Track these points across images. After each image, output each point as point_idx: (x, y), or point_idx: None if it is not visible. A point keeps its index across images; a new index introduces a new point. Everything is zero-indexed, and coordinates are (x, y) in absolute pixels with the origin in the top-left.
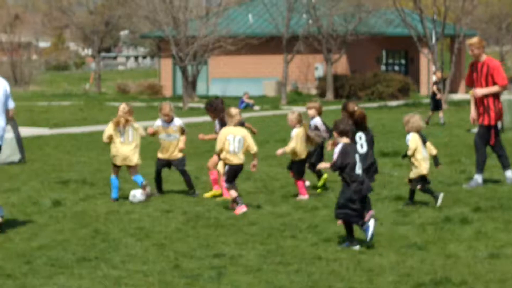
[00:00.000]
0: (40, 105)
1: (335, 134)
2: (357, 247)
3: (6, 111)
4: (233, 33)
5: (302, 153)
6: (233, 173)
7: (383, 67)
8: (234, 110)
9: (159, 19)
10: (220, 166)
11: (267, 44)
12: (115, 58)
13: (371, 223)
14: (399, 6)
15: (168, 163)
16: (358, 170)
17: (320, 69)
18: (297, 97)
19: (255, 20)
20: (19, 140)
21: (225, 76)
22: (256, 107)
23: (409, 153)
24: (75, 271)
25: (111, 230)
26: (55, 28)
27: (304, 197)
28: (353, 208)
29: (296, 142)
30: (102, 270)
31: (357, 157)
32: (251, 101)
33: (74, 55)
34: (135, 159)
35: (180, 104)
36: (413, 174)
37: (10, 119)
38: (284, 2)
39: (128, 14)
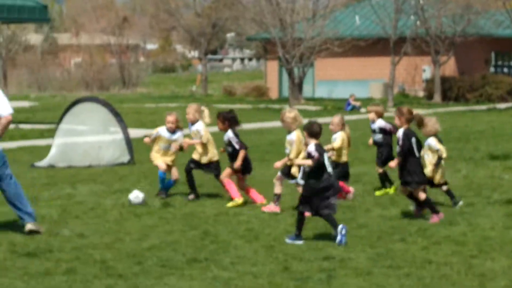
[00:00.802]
0: (147, 107)
1: (306, 134)
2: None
3: None
4: (339, 35)
5: (345, 155)
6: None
7: (492, 69)
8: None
9: (266, 21)
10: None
11: (374, 46)
12: (221, 60)
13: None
14: (509, 7)
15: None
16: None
17: (427, 71)
18: (403, 99)
19: (362, 22)
20: (129, 141)
21: (331, 78)
22: (362, 109)
23: (445, 156)
24: (185, 272)
25: (220, 231)
26: (163, 30)
27: (350, 195)
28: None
29: (342, 142)
30: (212, 272)
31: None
32: (357, 103)
33: (181, 57)
34: None
35: (287, 107)
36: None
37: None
38: (391, 4)
39: (235, 16)
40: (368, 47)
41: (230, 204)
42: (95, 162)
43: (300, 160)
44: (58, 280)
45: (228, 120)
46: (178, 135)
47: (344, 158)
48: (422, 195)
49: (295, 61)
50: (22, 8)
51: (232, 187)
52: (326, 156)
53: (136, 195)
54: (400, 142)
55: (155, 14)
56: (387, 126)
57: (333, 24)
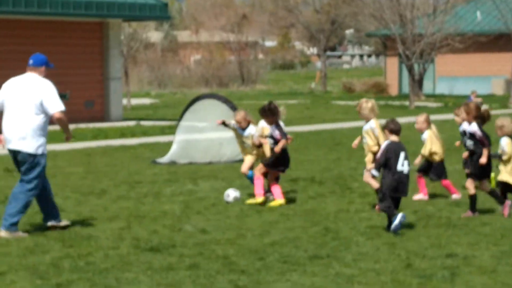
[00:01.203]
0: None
1: (386, 132)
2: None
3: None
4: (460, 30)
5: (441, 153)
6: None
7: None
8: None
9: (386, 17)
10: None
11: (495, 42)
12: (340, 57)
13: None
14: None
15: None
16: (401, 166)
17: None
18: None
19: (483, 17)
20: None
21: (452, 75)
22: (484, 106)
23: (505, 158)
24: (307, 269)
25: (342, 228)
26: (281, 27)
27: (457, 196)
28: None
29: (431, 143)
30: (334, 268)
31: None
32: (478, 100)
33: (299, 54)
34: None
35: (407, 103)
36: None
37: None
38: None
39: (354, 12)
40: (490, 42)
41: (249, 201)
42: (215, 159)
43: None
44: (181, 275)
45: (275, 114)
46: (249, 131)
47: (436, 157)
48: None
49: (415, 57)
50: (143, 6)
51: (258, 183)
52: (403, 155)
53: (227, 194)
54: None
55: (274, 11)
56: (478, 133)
57: (454, 20)
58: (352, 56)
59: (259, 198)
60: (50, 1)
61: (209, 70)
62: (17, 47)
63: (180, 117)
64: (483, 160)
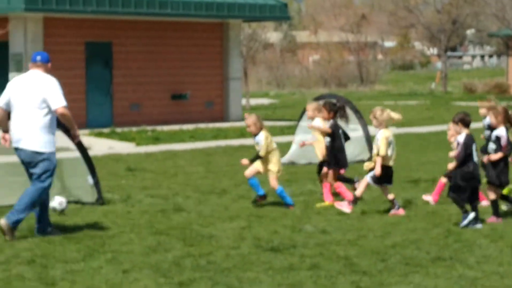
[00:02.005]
0: (386, 104)
1: (460, 125)
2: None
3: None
4: None
5: None
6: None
7: None
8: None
9: (508, 17)
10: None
11: None
12: (460, 57)
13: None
14: None
15: None
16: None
17: None
18: None
19: None
20: (369, 138)
21: None
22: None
23: None
24: (430, 270)
25: (464, 230)
26: (401, 27)
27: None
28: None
29: None
30: (457, 270)
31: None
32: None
33: (419, 54)
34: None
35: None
36: None
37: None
38: None
39: (476, 12)
40: None
41: (318, 204)
42: None
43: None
44: (302, 275)
45: (334, 111)
46: (259, 138)
47: None
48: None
49: None
50: (263, 6)
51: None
52: (474, 147)
53: (59, 201)
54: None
55: (393, 11)
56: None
57: None
58: (473, 56)
59: (328, 202)
60: (172, 2)
61: (327, 70)
62: (139, 48)
63: (300, 117)
64: (494, 157)
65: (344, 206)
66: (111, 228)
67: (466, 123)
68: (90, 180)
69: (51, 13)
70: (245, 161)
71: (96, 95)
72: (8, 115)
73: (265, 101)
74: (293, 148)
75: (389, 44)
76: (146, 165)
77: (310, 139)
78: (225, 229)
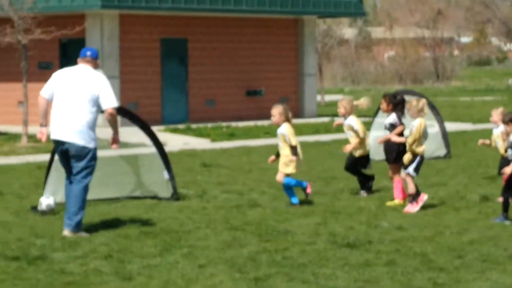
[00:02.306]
0: (462, 101)
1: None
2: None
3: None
4: None
5: None
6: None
7: None
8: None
9: None
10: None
11: None
12: None
13: None
14: None
15: None
16: None
17: None
18: None
19: None
20: (445, 135)
21: None
22: None
23: None
24: (507, 268)
25: None
26: (477, 23)
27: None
28: None
29: None
30: None
31: None
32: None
33: (496, 50)
34: None
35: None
36: None
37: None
38: None
39: None
40: None
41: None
42: None
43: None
44: (379, 271)
45: (394, 104)
46: (281, 130)
47: None
48: None
49: None
50: (338, 2)
51: (397, 186)
52: None
53: (40, 202)
54: None
55: (470, 6)
56: None
57: None
58: None
59: (398, 201)
60: None
61: (403, 66)
62: (214, 44)
63: (375, 114)
64: (508, 170)
65: (411, 208)
66: (186, 224)
67: None
68: (165, 175)
69: (127, 10)
70: (272, 158)
71: (171, 92)
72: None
73: (339, 97)
74: (370, 144)
75: (465, 39)
76: (221, 161)
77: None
78: (301, 225)
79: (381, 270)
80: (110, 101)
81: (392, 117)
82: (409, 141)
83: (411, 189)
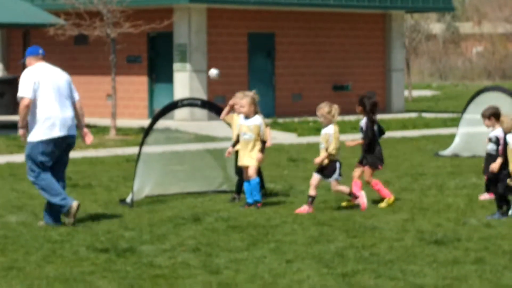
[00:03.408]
0: None
1: None
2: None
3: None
4: None
5: None
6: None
7: None
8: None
9: None
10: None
11: None
12: None
13: None
14: None
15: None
16: None
17: None
18: None
19: None
20: None
21: None
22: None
23: None
24: None
25: None
26: None
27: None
28: None
29: None
30: None
31: None
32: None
33: None
34: None
35: None
36: None
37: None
38: None
39: None
40: None
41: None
42: None
43: None
44: (467, 269)
45: (363, 105)
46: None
47: None
48: None
49: None
50: None
51: (378, 187)
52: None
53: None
54: None
55: None
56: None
57: None
58: None
59: (390, 199)
60: None
61: (491, 62)
62: (301, 39)
63: (464, 110)
64: (495, 166)
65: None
66: (273, 218)
67: (498, 117)
68: None
69: (214, 4)
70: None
71: (258, 86)
72: None
73: (427, 92)
74: (457, 140)
75: None
76: (307, 156)
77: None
78: (388, 221)
79: (470, 268)
80: (77, 94)
81: (364, 121)
82: (331, 151)
83: (345, 189)
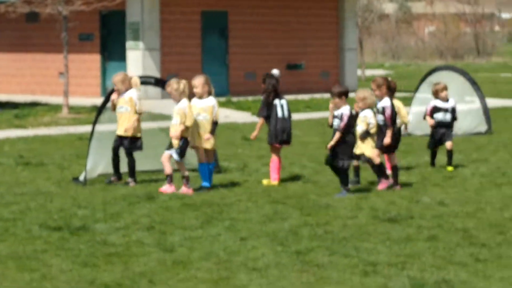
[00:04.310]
0: (503, 77)
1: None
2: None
3: None
4: None
5: None
6: None
7: None
8: None
9: None
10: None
11: None
12: None
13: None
14: None
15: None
16: None
17: None
18: None
19: None
20: (486, 110)
21: None
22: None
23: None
24: None
25: None
26: None
27: None
28: None
29: None
30: None
31: None
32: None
33: None
34: None
35: None
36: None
37: None
38: None
39: None
40: None
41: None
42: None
43: None
44: (420, 246)
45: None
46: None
47: None
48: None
49: None
50: None
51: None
52: None
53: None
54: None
55: None
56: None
57: None
58: None
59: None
60: None
61: (443, 42)
62: (255, 17)
63: (416, 89)
64: (387, 140)
65: (168, 188)
66: (228, 196)
67: (347, 96)
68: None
69: None
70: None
71: (212, 64)
72: None
73: (380, 72)
74: (409, 119)
75: (506, 15)
76: (262, 134)
77: None
78: (342, 199)
79: (423, 245)
80: None
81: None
82: (187, 124)
83: (168, 169)
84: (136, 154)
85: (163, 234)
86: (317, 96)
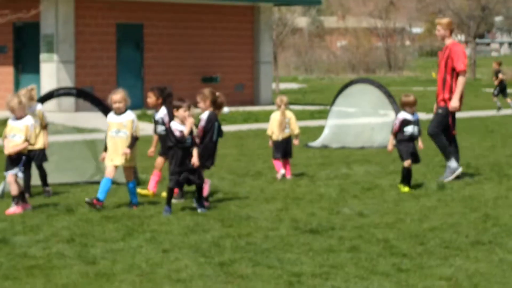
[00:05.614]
0: (415, 90)
1: None
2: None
3: None
4: None
5: None
6: None
7: None
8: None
9: None
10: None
11: None
12: (488, 44)
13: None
14: None
15: None
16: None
17: None
18: None
19: None
20: None
21: None
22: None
23: None
24: (470, 254)
25: (502, 215)
26: (429, 13)
27: None
28: None
29: None
30: (498, 255)
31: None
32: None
33: None
34: None
35: None
36: None
37: None
38: None
39: None
40: None
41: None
42: (367, 144)
43: None
44: (343, 257)
45: (163, 97)
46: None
47: None
48: None
49: None
50: None
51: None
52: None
53: None
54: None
55: None
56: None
57: None
58: (501, 43)
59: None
60: None
61: (356, 56)
62: (170, 30)
63: (332, 102)
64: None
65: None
66: (148, 209)
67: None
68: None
69: None
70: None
71: (127, 77)
72: None
73: (294, 85)
74: (326, 132)
75: (417, 30)
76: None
77: None
78: (263, 210)
79: (345, 255)
80: None
81: (163, 112)
82: (32, 142)
83: (14, 190)
84: (53, 167)
85: (84, 247)
86: (233, 109)
